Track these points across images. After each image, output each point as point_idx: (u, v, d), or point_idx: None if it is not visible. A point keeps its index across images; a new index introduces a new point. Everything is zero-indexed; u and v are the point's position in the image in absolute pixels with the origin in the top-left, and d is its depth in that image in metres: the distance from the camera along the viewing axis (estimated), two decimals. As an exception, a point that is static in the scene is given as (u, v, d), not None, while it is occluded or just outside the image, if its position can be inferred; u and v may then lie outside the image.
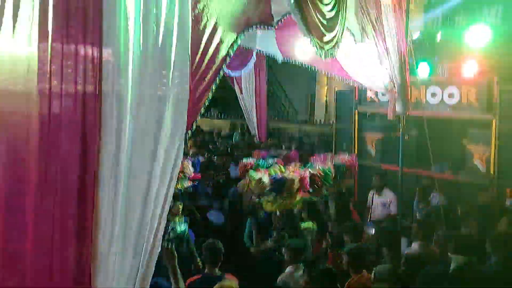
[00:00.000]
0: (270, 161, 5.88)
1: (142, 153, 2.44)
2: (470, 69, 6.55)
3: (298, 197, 5.31)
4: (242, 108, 10.08)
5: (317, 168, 5.70)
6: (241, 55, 7.06)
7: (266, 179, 5.07)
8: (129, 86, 2.32)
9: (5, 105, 1.88)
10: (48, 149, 2.02)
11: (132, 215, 2.42)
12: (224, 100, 13.11)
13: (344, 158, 6.52)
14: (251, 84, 9.59)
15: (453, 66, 6.83)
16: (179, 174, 5.17)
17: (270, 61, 9.14)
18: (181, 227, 4.68)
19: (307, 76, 15.49)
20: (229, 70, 7.51)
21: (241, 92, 9.76)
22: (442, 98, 7.01)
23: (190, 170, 5.59)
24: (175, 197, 5.34)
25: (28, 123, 1.95)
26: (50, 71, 1.97)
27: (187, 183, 5.57)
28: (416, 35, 7.60)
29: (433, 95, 7.09)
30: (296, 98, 17.49)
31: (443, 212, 5.72)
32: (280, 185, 5.09)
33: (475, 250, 4.65)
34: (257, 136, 9.99)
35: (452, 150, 7.49)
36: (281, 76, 16.56)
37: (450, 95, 6.89)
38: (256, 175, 5.16)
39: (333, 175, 5.87)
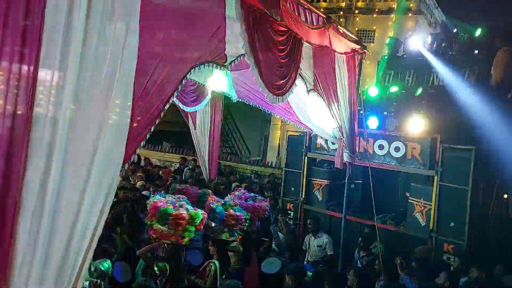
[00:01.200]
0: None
1: (73, 183, 2.27)
2: (416, 126, 6.86)
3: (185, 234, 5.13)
4: (195, 144, 9.93)
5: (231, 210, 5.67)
6: (196, 91, 7.03)
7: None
8: (65, 110, 2.19)
9: None
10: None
11: (55, 250, 2.22)
12: (178, 134, 12.96)
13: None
14: (206, 120, 9.52)
15: (401, 122, 7.14)
16: None
17: (227, 99, 9.20)
18: (104, 264, 4.45)
19: (262, 117, 15.74)
20: (184, 105, 7.43)
21: (195, 128, 9.64)
22: (389, 151, 7.27)
23: None
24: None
25: None
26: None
27: None
28: (369, 90, 7.94)
29: (381, 147, 7.34)
30: (250, 138, 17.63)
31: (381, 262, 5.79)
32: (165, 217, 4.98)
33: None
34: (207, 173, 9.83)
35: (395, 202, 7.72)
36: (236, 115, 16.70)
37: (396, 149, 7.15)
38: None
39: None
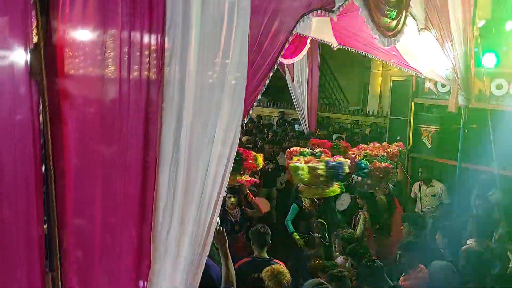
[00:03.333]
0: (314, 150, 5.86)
1: (202, 138, 2.46)
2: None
3: (333, 187, 5.33)
4: (293, 97, 9.95)
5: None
6: (295, 42, 6.95)
7: (321, 167, 5.12)
8: (190, 73, 2.32)
9: (76, 89, 1.94)
10: (114, 132, 2.08)
11: (191, 198, 2.46)
12: (274, 88, 13.06)
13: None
14: (303, 73, 9.43)
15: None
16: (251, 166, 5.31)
17: (322, 47, 8.95)
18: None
19: (360, 65, 15.10)
20: (283, 58, 7.41)
21: (292, 81, 9.62)
22: (508, 91, 6.57)
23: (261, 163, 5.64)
24: (233, 190, 5.45)
25: (97, 106, 2.01)
26: (120, 57, 2.02)
27: (246, 177, 5.58)
28: (482, 23, 7.13)
29: (499, 87, 6.65)
30: (348, 88, 17.11)
31: (502, 209, 5.42)
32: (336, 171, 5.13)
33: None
34: (307, 126, 9.85)
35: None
36: (333, 64, 16.23)
37: (517, 88, 6.44)
38: (298, 164, 5.23)
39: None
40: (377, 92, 14.95)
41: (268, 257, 4.08)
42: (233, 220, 5.40)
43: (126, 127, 2.11)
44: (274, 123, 13.20)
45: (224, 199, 5.27)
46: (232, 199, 5.44)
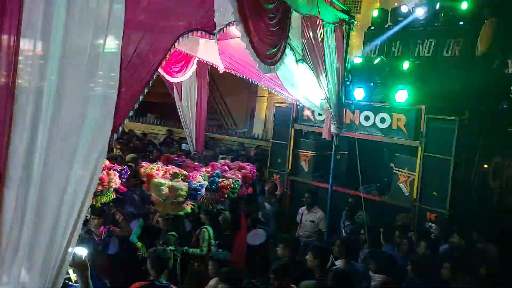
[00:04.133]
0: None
1: (60, 154, 2.23)
2: (401, 97, 6.89)
3: (186, 206, 5.53)
4: (180, 116, 9.80)
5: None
6: (181, 61, 6.90)
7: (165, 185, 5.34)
8: (50, 81, 2.12)
9: None
10: None
11: (44, 222, 2.21)
12: (162, 106, 12.78)
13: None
14: (192, 92, 9.38)
15: (387, 93, 7.16)
16: (104, 185, 5.00)
17: (212, 70, 9.05)
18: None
19: (248, 89, 15.60)
20: (168, 76, 7.30)
21: (180, 100, 9.49)
22: (375, 122, 7.33)
23: (116, 181, 5.35)
24: (98, 211, 5.14)
25: None
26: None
27: (112, 195, 5.30)
28: (355, 60, 7.91)
29: (367, 118, 7.38)
30: (236, 110, 17.51)
31: (366, 230, 5.92)
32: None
33: (396, 270, 4.85)
34: (194, 146, 9.77)
35: (380, 172, 7.84)
36: (222, 87, 16.52)
37: (382, 120, 7.21)
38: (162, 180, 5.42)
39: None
40: (263, 117, 15.57)
41: (166, 283, 3.91)
42: (97, 240, 5.10)
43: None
44: (161, 141, 12.88)
45: (86, 220, 4.95)
46: (96, 220, 5.13)
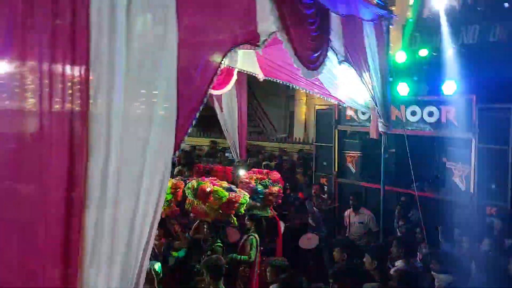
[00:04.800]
0: None
1: (129, 174, 2.35)
2: (449, 88, 6.68)
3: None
4: (222, 127, 9.98)
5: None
6: (222, 74, 7.01)
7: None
8: (116, 106, 2.23)
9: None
10: (37, 167, 1.92)
11: (119, 238, 2.32)
12: (204, 118, 13.03)
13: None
14: (232, 103, 9.53)
15: (433, 85, 6.96)
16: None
17: (249, 76, 9.16)
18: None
19: (285, 94, 15.62)
20: (212, 89, 7.43)
21: (222, 111, 9.67)
22: (422, 116, 7.13)
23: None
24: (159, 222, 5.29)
25: (18, 140, 1.86)
26: (41, 89, 1.89)
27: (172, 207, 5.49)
28: (398, 55, 7.74)
29: (413, 113, 7.19)
30: (274, 116, 17.56)
31: (422, 229, 5.76)
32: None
33: (460, 269, 4.68)
34: (237, 154, 9.90)
35: (432, 168, 7.60)
36: (259, 93, 16.63)
37: (430, 114, 7.00)
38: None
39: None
40: (302, 120, 15.51)
41: None
42: (157, 251, 5.26)
43: (48, 164, 1.97)
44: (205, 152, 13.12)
45: None
46: (158, 231, 5.29)
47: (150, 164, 2.42)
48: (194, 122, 2.80)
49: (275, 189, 6.20)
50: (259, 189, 5.96)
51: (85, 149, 2.05)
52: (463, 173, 6.69)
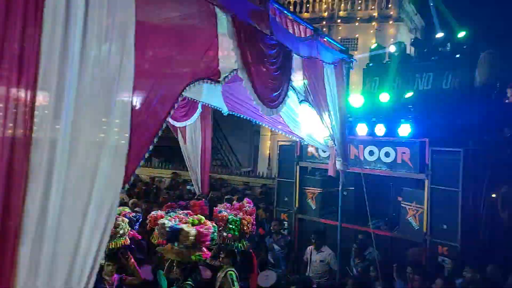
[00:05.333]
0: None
1: (73, 207, 2.26)
2: (404, 131, 6.96)
3: (197, 252, 5.14)
4: (185, 159, 9.89)
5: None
6: (186, 106, 7.04)
7: (168, 224, 5.07)
8: (64, 133, 2.19)
9: None
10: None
11: (57, 276, 2.21)
12: (167, 149, 12.90)
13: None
14: (196, 135, 9.51)
15: (390, 127, 7.23)
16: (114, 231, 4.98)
17: (214, 111, 9.22)
18: None
19: (251, 128, 15.77)
20: (174, 121, 7.43)
21: (185, 143, 9.62)
22: (379, 157, 7.35)
23: (126, 228, 5.34)
24: (110, 256, 5.08)
25: None
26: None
27: (123, 241, 5.26)
28: (356, 98, 8.03)
29: (371, 153, 7.42)
30: (240, 150, 17.62)
31: (377, 268, 5.82)
32: (174, 235, 5.02)
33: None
34: (199, 187, 9.79)
35: (388, 207, 7.79)
36: (225, 127, 16.72)
37: (387, 154, 7.24)
38: (163, 220, 5.19)
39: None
40: (266, 155, 15.64)
41: None
42: None
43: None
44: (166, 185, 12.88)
45: (101, 267, 4.89)
46: (111, 266, 5.07)
47: (97, 196, 2.34)
48: (148, 154, 2.77)
49: (248, 218, 6.03)
50: (230, 219, 5.78)
51: (24, 178, 1.97)
52: (417, 212, 6.89)
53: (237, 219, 5.83)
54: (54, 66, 2.14)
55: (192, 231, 5.04)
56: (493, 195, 7.43)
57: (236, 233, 5.81)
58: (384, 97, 7.78)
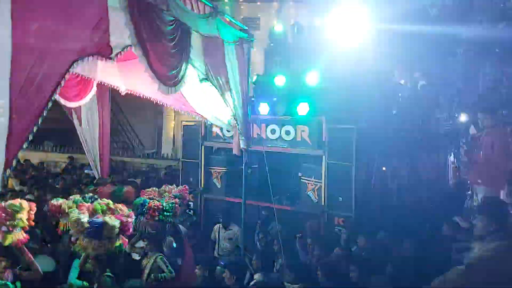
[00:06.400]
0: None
1: None
2: (303, 110, 7.27)
3: (118, 242, 4.87)
4: (82, 142, 9.26)
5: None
6: (79, 84, 6.55)
7: (85, 220, 4.65)
8: None
9: None
10: None
11: None
12: (60, 132, 11.98)
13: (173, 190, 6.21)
14: (93, 116, 8.92)
15: (290, 106, 7.50)
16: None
17: (114, 90, 8.74)
18: None
19: (154, 109, 15.27)
20: (66, 101, 6.87)
21: (80, 125, 8.98)
22: (280, 135, 7.62)
23: (24, 219, 4.79)
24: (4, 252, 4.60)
25: None
26: None
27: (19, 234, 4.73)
28: (257, 77, 8.17)
29: (273, 131, 7.65)
30: (142, 131, 17.02)
31: (280, 241, 6.09)
32: (98, 231, 4.63)
33: (311, 277, 5.04)
34: (99, 171, 9.27)
35: (290, 183, 8.14)
36: (126, 107, 15.98)
37: (287, 132, 7.52)
38: (76, 214, 4.74)
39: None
40: (171, 136, 15.33)
41: None
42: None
43: None
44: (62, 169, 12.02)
45: None
46: (4, 262, 4.61)
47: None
48: (31, 137, 2.52)
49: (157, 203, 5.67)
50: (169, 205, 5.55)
51: None
52: (316, 187, 7.31)
53: (172, 205, 5.62)
54: None
55: (116, 223, 4.69)
56: (383, 168, 8.17)
57: (170, 219, 5.64)
58: (280, 80, 8.01)
